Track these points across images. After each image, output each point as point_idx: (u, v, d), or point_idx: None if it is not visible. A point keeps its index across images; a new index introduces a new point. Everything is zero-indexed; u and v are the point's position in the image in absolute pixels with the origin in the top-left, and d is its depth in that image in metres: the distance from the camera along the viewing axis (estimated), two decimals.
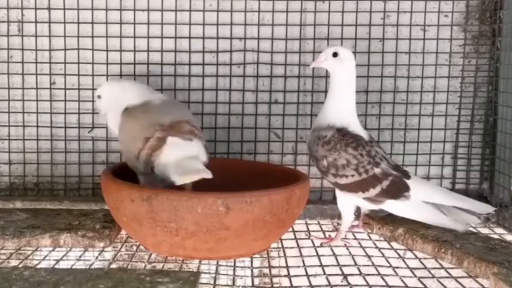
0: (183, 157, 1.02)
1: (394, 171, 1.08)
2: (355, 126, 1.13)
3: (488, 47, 1.34)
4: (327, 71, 1.19)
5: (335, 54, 1.11)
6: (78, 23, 1.31)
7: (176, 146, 1.04)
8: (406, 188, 1.07)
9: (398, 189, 1.07)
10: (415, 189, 1.08)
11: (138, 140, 1.05)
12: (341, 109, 1.12)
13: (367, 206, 1.13)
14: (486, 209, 1.10)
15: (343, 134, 1.10)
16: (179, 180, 0.98)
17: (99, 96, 1.18)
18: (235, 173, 1.19)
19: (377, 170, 1.08)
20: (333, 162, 1.08)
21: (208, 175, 0.96)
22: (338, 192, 1.12)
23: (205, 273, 0.96)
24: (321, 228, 1.22)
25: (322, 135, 1.10)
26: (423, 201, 1.08)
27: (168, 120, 1.07)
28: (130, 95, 1.14)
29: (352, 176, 1.07)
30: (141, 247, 1.06)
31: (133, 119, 1.10)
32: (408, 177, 1.09)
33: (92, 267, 1.00)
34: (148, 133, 1.05)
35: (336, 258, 1.01)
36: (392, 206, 1.08)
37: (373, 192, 1.07)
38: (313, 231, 1.18)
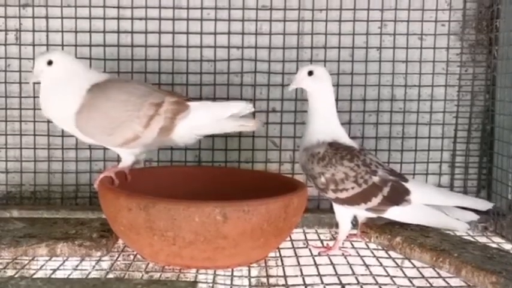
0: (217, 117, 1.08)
1: (391, 177, 1.08)
2: (345, 138, 1.13)
3: (485, 55, 1.35)
4: None
5: (310, 73, 1.11)
6: (76, 31, 1.31)
7: (200, 108, 1.08)
8: (407, 192, 1.07)
9: (399, 195, 1.07)
10: (415, 192, 1.08)
11: (142, 108, 1.04)
12: (328, 124, 1.12)
13: (365, 215, 1.13)
14: (486, 205, 1.11)
15: (336, 148, 1.09)
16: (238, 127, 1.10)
17: (50, 62, 1.06)
18: (232, 182, 1.18)
19: (375, 178, 1.07)
20: (331, 178, 1.08)
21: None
22: (336, 204, 1.11)
23: (203, 282, 0.95)
24: (319, 237, 1.21)
25: (315, 152, 1.09)
26: (424, 204, 1.08)
27: (156, 88, 1.12)
28: (92, 73, 1.09)
29: (353, 188, 1.07)
30: (138, 256, 1.05)
31: (119, 91, 1.06)
32: (406, 180, 1.09)
33: (89, 276, 0.99)
34: (155, 99, 1.06)
35: (334, 268, 1.01)
36: (394, 213, 1.08)
37: (375, 201, 1.07)
38: (311, 240, 1.18)
